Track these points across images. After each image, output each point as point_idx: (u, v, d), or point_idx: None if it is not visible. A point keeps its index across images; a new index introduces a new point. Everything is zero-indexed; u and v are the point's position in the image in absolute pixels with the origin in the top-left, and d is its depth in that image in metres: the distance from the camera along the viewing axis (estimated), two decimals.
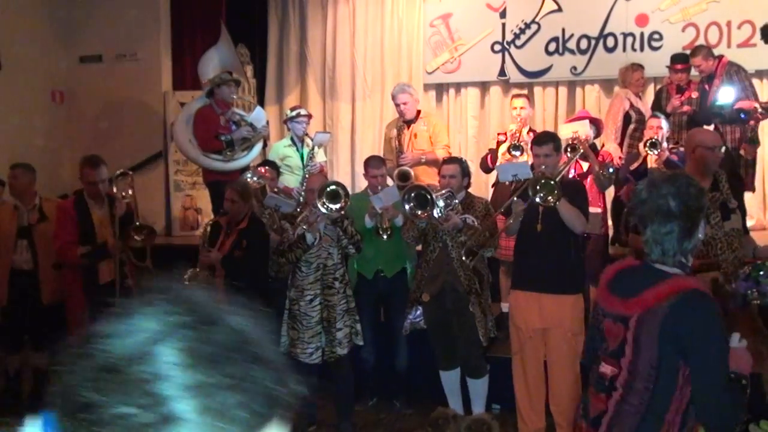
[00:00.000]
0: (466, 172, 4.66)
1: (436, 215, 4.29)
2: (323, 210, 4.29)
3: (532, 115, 6.30)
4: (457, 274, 4.42)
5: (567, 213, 3.93)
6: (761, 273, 3.86)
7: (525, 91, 6.98)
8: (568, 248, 4.06)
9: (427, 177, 5.60)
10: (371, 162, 4.98)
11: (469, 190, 4.79)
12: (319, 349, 4.48)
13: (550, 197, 3.79)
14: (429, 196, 4.28)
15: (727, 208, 3.97)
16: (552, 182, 3.82)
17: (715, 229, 3.95)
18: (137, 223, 4.68)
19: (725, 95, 6.10)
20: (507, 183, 4.62)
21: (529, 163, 4.48)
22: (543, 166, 4.07)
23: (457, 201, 4.45)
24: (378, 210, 4.60)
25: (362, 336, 4.63)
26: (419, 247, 4.80)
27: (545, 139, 4.20)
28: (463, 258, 4.30)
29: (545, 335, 4.09)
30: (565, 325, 4.03)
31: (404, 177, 5.59)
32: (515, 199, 3.98)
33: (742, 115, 5.57)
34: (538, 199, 3.81)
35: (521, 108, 5.47)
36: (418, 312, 4.64)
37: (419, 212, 4.31)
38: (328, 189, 4.32)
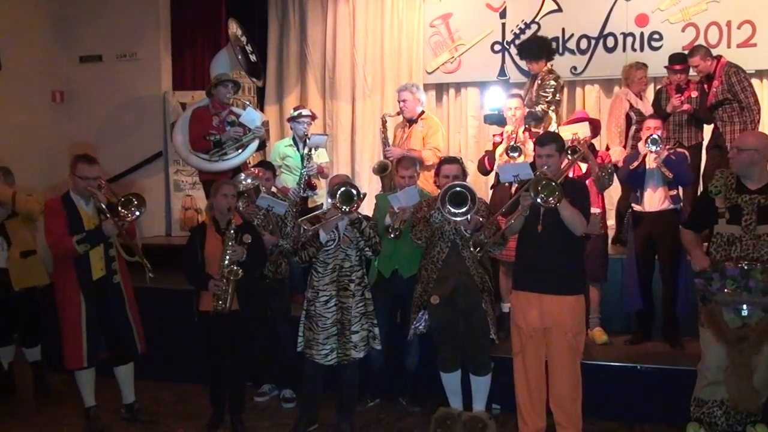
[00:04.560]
0: (465, 172, 4.67)
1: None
2: (336, 210, 4.27)
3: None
4: (470, 273, 4.41)
5: (568, 215, 3.96)
6: (714, 275, 3.90)
7: (518, 92, 6.98)
8: (569, 249, 4.09)
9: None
10: (402, 162, 4.97)
11: None
12: (334, 351, 4.45)
13: (551, 198, 3.82)
14: (469, 193, 4.15)
15: (767, 212, 3.94)
16: (553, 183, 3.84)
17: (744, 231, 3.95)
18: (122, 198, 4.60)
19: (493, 99, 6.67)
20: (507, 185, 4.61)
21: (529, 163, 4.48)
22: (545, 167, 4.07)
23: None
24: (395, 209, 4.58)
25: (380, 340, 4.60)
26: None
27: (547, 140, 4.20)
28: (471, 249, 4.27)
29: (546, 335, 4.10)
30: (566, 325, 4.05)
31: (382, 168, 5.71)
32: (523, 192, 3.96)
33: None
34: (539, 200, 3.83)
35: (516, 108, 5.47)
36: (422, 316, 4.61)
37: (462, 209, 4.12)
38: (341, 191, 4.29)
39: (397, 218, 4.56)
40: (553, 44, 6.13)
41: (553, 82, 5.72)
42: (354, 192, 4.29)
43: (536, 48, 5.93)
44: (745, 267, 3.86)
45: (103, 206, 4.60)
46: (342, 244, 4.44)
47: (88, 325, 4.67)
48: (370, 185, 7.41)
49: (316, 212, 4.60)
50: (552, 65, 5.98)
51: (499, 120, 5.87)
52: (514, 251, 4.37)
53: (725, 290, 3.88)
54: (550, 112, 5.68)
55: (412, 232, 4.58)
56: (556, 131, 5.32)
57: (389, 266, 4.88)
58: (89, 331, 4.68)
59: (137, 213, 4.61)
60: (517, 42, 7.53)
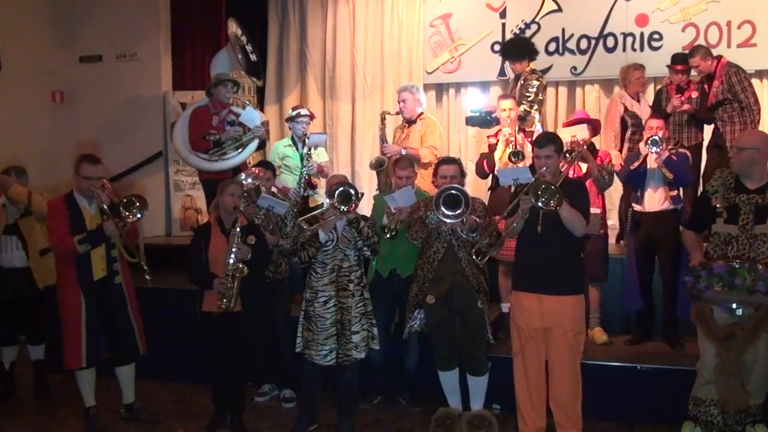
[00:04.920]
0: (463, 173, 4.67)
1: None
2: (334, 210, 4.28)
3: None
4: (466, 273, 4.42)
5: (568, 217, 3.95)
6: (702, 273, 3.90)
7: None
8: (569, 249, 4.09)
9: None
10: (399, 163, 4.98)
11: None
12: (333, 351, 4.45)
13: (551, 202, 3.81)
14: (462, 195, 4.20)
15: (764, 212, 3.93)
16: (553, 187, 3.82)
17: (741, 231, 3.95)
18: (124, 200, 4.61)
19: (474, 101, 7.09)
20: (507, 187, 4.61)
21: (528, 165, 4.49)
22: (544, 168, 4.07)
23: None
24: (392, 210, 4.60)
25: (378, 340, 4.61)
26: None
27: (546, 141, 4.18)
28: (474, 257, 4.28)
29: (546, 335, 4.10)
30: (566, 325, 4.04)
31: (379, 164, 5.76)
32: (523, 195, 3.96)
33: (488, 118, 5.82)
34: (539, 204, 3.82)
35: (510, 109, 5.47)
36: (417, 315, 4.62)
37: (456, 212, 4.17)
38: (339, 191, 4.30)
39: (393, 219, 4.58)
40: (535, 44, 6.22)
41: (535, 82, 5.78)
42: (352, 192, 4.30)
43: (519, 49, 6.01)
44: (736, 265, 3.85)
45: (105, 207, 4.61)
46: (340, 244, 4.44)
47: (88, 325, 4.67)
48: (370, 185, 7.42)
49: (314, 213, 4.59)
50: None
51: (481, 121, 5.97)
52: (513, 251, 4.37)
53: (714, 288, 3.89)
54: (533, 111, 5.71)
55: (409, 232, 4.59)
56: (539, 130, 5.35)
57: (387, 266, 4.89)
58: (89, 331, 4.68)
59: (138, 215, 4.61)
60: None
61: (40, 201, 5.28)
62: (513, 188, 4.32)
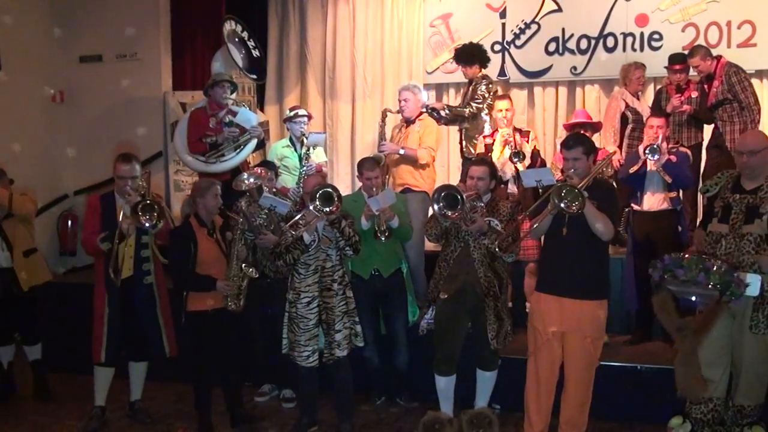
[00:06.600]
0: (494, 175, 4.61)
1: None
2: (315, 213, 4.30)
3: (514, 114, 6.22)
4: (477, 274, 4.41)
5: (594, 220, 3.86)
6: (658, 264, 3.91)
7: (508, 92, 7.04)
8: (594, 253, 4.00)
9: (408, 174, 5.75)
10: (365, 164, 4.98)
11: None
12: (315, 352, 4.47)
13: (574, 205, 3.74)
14: (459, 197, 4.23)
15: (754, 212, 3.91)
16: (576, 189, 3.75)
17: (730, 230, 3.94)
18: (147, 201, 4.57)
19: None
20: (505, 188, 4.63)
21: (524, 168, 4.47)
22: (572, 170, 3.99)
23: (482, 204, 4.43)
24: (375, 212, 4.61)
25: (362, 337, 4.64)
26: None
27: (574, 143, 4.07)
28: (498, 255, 4.28)
29: (563, 339, 4.04)
30: (584, 330, 3.98)
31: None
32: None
33: (435, 115, 5.93)
34: (562, 205, 3.75)
35: (507, 110, 5.49)
36: (434, 312, 4.62)
37: (449, 213, 4.23)
38: (321, 192, 4.31)
39: (380, 220, 4.62)
40: (488, 52, 6.33)
41: (484, 87, 5.90)
42: (333, 193, 4.33)
43: (469, 54, 6.12)
44: (682, 256, 3.84)
45: (128, 208, 4.59)
46: (322, 244, 4.46)
47: (110, 323, 4.70)
48: None
49: (296, 218, 4.57)
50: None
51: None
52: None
53: (665, 278, 3.87)
54: (483, 115, 5.83)
55: (425, 228, 4.66)
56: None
57: (368, 267, 4.92)
58: (110, 328, 4.71)
59: (147, 225, 4.54)
60: (517, 42, 7.56)
61: (21, 202, 5.31)
62: (509, 187, 4.32)
